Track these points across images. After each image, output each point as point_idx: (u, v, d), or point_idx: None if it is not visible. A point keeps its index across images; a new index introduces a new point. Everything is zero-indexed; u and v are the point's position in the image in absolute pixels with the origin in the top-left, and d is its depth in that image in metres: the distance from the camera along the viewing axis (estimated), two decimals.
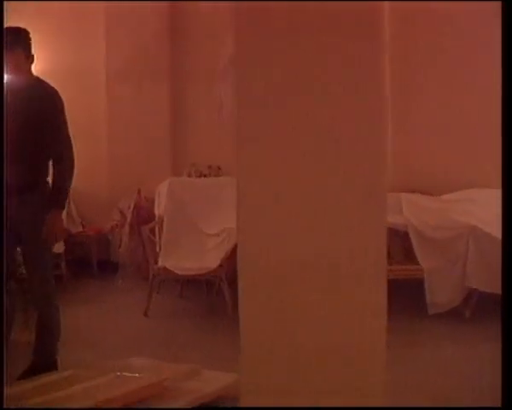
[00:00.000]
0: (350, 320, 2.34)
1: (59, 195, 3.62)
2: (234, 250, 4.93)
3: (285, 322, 2.44)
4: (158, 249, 5.58)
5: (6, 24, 3.69)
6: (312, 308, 2.34)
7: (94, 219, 6.66)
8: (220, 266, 4.88)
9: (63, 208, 3.72)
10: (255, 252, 2.44)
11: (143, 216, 6.23)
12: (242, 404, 2.47)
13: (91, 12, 6.67)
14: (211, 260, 4.94)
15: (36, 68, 6.04)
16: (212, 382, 3.38)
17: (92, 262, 6.47)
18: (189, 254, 5.13)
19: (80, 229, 6.41)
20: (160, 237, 5.52)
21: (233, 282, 5.11)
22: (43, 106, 3.56)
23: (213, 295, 5.61)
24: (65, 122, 3.64)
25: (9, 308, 4.55)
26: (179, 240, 5.21)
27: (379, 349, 2.33)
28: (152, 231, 5.60)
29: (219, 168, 6.25)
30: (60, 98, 3.63)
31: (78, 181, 6.34)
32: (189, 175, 6.15)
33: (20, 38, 3.55)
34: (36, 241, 3.63)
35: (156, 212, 5.59)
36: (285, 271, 2.45)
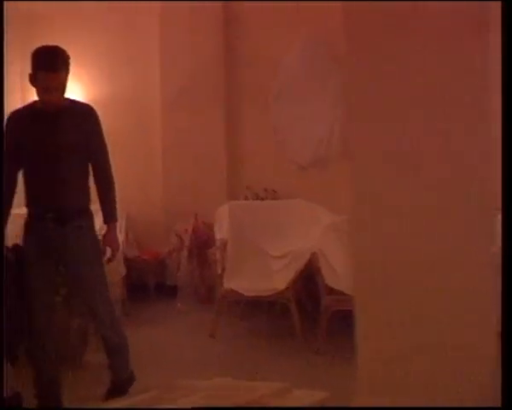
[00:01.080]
0: (462, 320, 2.41)
1: (111, 207, 3.69)
2: (301, 271, 5.04)
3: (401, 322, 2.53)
4: (220, 272, 5.67)
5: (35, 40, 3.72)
6: (427, 309, 2.42)
7: (150, 244, 6.74)
8: (287, 287, 4.94)
9: (117, 221, 3.78)
10: (370, 259, 2.55)
11: (201, 240, 6.32)
12: (358, 403, 2.56)
13: (145, 39, 6.83)
14: (278, 281, 4.99)
15: (90, 97, 6.24)
16: (304, 399, 3.42)
17: (149, 286, 6.54)
18: (255, 276, 5.18)
19: (137, 253, 6.48)
20: (220, 261, 5.59)
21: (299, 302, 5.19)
22: (85, 125, 3.55)
23: (274, 316, 5.68)
24: (103, 137, 3.65)
25: (82, 330, 4.68)
26: (243, 262, 5.27)
27: (491, 348, 2.39)
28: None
29: (274, 191, 6.33)
30: (95, 112, 3.63)
31: (133, 206, 6.53)
32: (246, 198, 6.23)
33: (66, 59, 3.46)
34: (94, 266, 3.63)
35: (217, 235, 5.65)
36: (399, 273, 2.55)
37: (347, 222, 4.93)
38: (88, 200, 3.65)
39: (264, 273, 5.21)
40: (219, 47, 6.57)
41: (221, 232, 5.60)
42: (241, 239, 5.39)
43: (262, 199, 6.20)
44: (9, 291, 3.43)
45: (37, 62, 3.40)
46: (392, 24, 2.63)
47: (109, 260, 3.75)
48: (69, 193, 3.54)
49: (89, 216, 3.64)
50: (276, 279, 5.03)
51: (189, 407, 3.26)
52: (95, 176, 3.65)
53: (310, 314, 5.30)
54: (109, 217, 3.70)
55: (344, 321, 4.85)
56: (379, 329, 2.67)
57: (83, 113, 3.58)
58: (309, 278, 5.27)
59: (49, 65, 3.37)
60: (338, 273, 4.76)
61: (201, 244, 6.29)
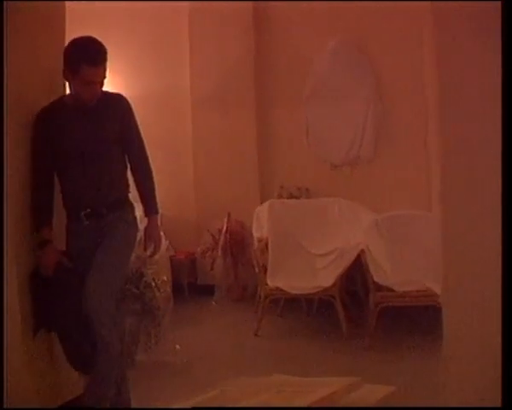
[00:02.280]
0: None
1: (152, 199, 3.51)
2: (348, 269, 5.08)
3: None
4: (257, 271, 5.70)
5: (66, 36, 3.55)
6: None
7: (182, 243, 6.76)
8: (334, 284, 4.97)
9: (158, 213, 3.56)
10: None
11: (236, 239, 6.35)
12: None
13: (175, 41, 6.87)
14: (324, 278, 5.03)
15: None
16: (375, 393, 3.45)
17: (183, 285, 6.56)
18: (298, 274, 5.23)
19: (172, 253, 6.50)
20: (260, 259, 5.61)
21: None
22: (119, 115, 3.39)
23: (313, 313, 5.72)
24: (138, 126, 3.49)
25: (134, 329, 4.69)
26: (285, 260, 5.31)
27: None
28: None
29: (307, 190, 6.37)
30: (128, 101, 3.46)
31: (166, 205, 6.55)
32: (280, 197, 6.27)
33: (105, 51, 3.28)
34: (118, 259, 3.38)
35: (255, 234, 5.69)
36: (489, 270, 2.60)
37: (423, 218, 5.02)
38: (126, 191, 3.48)
39: (307, 271, 5.26)
40: (250, 47, 6.61)
41: (260, 231, 5.63)
42: (282, 237, 5.43)
43: (296, 198, 6.24)
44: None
45: (79, 55, 3.19)
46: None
47: (152, 254, 3.66)
48: (109, 186, 3.38)
49: (128, 207, 3.46)
50: (322, 276, 5.07)
51: (263, 405, 3.27)
52: (132, 167, 3.48)
53: (351, 311, 5.34)
54: (150, 209, 3.51)
55: (388, 317, 4.94)
56: (468, 327, 2.72)
57: (116, 103, 3.41)
58: (350, 275, 5.32)
59: (94, 58, 3.20)
60: (385, 270, 4.80)
61: (236, 243, 6.32)
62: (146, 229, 3.52)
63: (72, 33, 3.49)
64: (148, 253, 3.67)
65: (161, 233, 4.18)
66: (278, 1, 6.49)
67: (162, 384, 4.26)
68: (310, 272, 5.21)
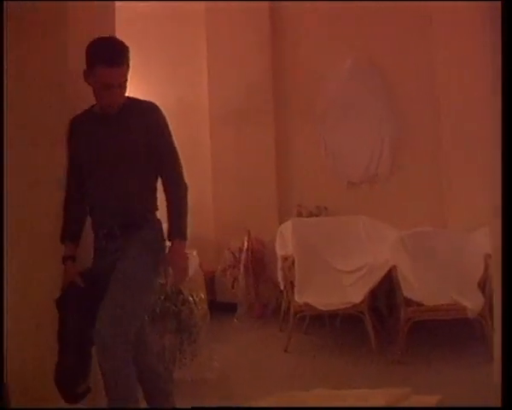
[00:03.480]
0: None
1: (178, 222, 3.04)
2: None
3: None
4: (282, 288, 5.80)
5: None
6: None
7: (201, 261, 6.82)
8: (363, 300, 5.08)
9: (186, 239, 3.06)
10: None
11: (257, 256, 6.45)
12: None
13: (193, 51, 6.99)
14: (353, 294, 5.13)
15: None
16: (424, 403, 3.56)
17: None
18: (325, 290, 5.32)
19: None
20: (285, 276, 5.70)
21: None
22: (149, 124, 3.08)
23: (336, 329, 5.82)
24: (172, 137, 3.16)
25: (171, 346, 4.74)
26: (312, 277, 5.40)
27: None
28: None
29: (326, 208, 6.49)
30: (160, 110, 3.16)
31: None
32: (299, 215, 6.38)
33: (126, 51, 3.04)
34: (138, 285, 3.01)
35: (279, 252, 5.78)
36: None
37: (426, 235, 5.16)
38: (151, 209, 3.17)
39: (334, 287, 5.35)
40: (268, 63, 6.76)
41: (285, 249, 5.72)
42: (308, 255, 5.52)
43: (316, 216, 6.35)
44: None
45: (95, 56, 2.97)
46: None
47: (172, 284, 3.37)
48: (127, 204, 3.10)
49: (152, 227, 3.14)
50: (351, 292, 5.17)
51: None
52: (163, 182, 3.13)
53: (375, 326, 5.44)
54: (174, 232, 3.03)
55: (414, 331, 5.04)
56: None
57: (144, 112, 3.10)
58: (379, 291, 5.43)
59: (110, 58, 2.95)
60: (413, 285, 4.92)
61: (257, 261, 6.41)
62: (167, 255, 3.08)
63: None
64: (169, 283, 3.34)
65: (189, 257, 4.22)
66: (295, 10, 6.61)
67: (202, 401, 4.30)
68: (337, 288, 5.31)
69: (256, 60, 6.74)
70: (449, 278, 4.96)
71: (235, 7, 6.70)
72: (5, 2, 3.20)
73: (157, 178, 3.16)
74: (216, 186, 6.91)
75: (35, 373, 3.45)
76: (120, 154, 3.06)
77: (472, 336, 5.12)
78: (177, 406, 3.40)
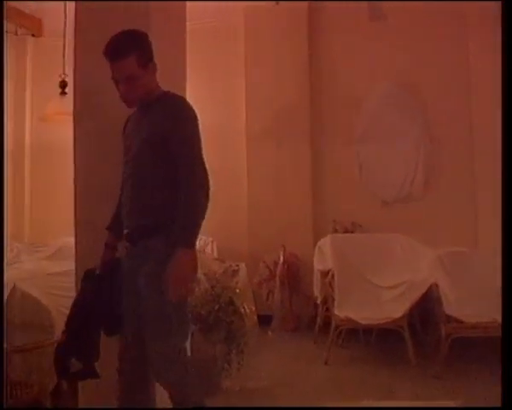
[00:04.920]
0: None
1: (186, 229, 2.75)
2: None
3: None
4: (319, 302, 5.99)
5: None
6: None
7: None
8: (403, 315, 5.26)
9: (192, 247, 2.77)
10: None
11: (292, 270, 6.64)
12: None
13: (232, 71, 7.20)
14: (393, 310, 5.31)
15: None
16: None
17: None
18: (364, 305, 5.50)
19: None
20: (322, 290, 5.90)
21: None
22: (168, 119, 2.85)
23: (371, 343, 5.99)
24: (198, 140, 2.87)
25: (221, 356, 4.90)
26: (352, 292, 5.58)
27: None
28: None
29: (360, 226, 6.69)
30: (189, 108, 2.90)
31: (219, 237, 6.81)
32: (335, 231, 6.58)
33: (132, 42, 2.88)
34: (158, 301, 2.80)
35: (317, 266, 5.97)
36: None
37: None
38: (164, 216, 2.86)
39: (373, 302, 5.53)
40: (305, 83, 6.97)
41: (323, 263, 5.91)
42: (346, 270, 5.71)
43: (351, 232, 6.55)
44: None
45: (104, 53, 2.88)
46: None
47: (170, 297, 2.76)
48: (153, 203, 2.89)
49: (165, 235, 2.83)
50: (390, 308, 5.35)
51: None
52: (179, 180, 2.83)
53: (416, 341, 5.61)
54: (177, 238, 2.75)
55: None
56: None
57: (170, 104, 2.89)
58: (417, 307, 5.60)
59: (111, 52, 2.85)
60: (452, 302, 5.10)
61: (292, 275, 6.60)
62: (173, 262, 2.73)
63: None
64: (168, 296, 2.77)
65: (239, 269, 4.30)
66: None
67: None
68: (376, 303, 5.49)
69: (294, 80, 6.96)
70: (486, 296, 5.13)
71: (274, 27, 6.93)
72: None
73: (186, 180, 2.81)
74: (252, 201, 7.10)
75: None
76: (143, 148, 2.90)
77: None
78: None
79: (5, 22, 3.23)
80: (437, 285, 5.10)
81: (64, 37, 5.89)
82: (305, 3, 6.97)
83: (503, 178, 2.48)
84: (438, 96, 6.60)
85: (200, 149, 2.87)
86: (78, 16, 3.58)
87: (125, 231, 3.00)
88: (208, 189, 2.83)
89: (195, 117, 2.88)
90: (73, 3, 3.69)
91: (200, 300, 4.57)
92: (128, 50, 2.83)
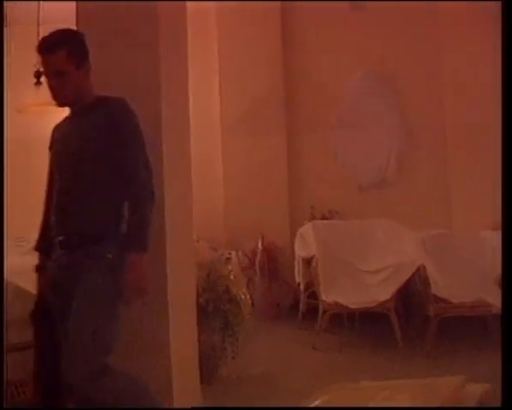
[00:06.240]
0: None
1: (138, 232, 2.74)
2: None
3: None
4: (302, 288, 6.06)
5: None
6: None
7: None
8: (391, 298, 5.36)
9: (145, 251, 2.73)
10: None
11: (271, 258, 6.68)
12: None
13: (205, 62, 7.15)
14: (380, 293, 5.40)
15: None
16: (476, 390, 3.84)
17: None
18: (350, 290, 5.58)
19: None
20: (304, 276, 5.96)
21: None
22: (109, 126, 2.82)
23: (356, 327, 6.08)
24: (140, 141, 2.85)
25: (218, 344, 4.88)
26: (336, 277, 5.66)
27: None
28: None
29: (337, 212, 6.77)
30: (130, 110, 2.87)
31: (196, 227, 6.78)
32: (313, 218, 6.64)
33: (66, 37, 2.87)
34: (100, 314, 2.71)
35: (299, 253, 6.03)
36: None
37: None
38: (117, 218, 2.82)
39: (358, 286, 5.63)
40: (279, 73, 7.00)
41: (305, 250, 5.97)
42: (330, 256, 5.78)
43: (328, 219, 6.62)
44: None
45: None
46: None
47: (128, 302, 2.76)
48: (93, 208, 2.82)
49: (115, 240, 2.80)
50: (377, 291, 5.44)
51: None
52: (124, 184, 2.82)
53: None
54: (131, 243, 2.74)
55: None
56: None
57: (109, 107, 2.86)
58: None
59: (40, 45, 2.86)
60: (439, 283, 5.23)
61: (272, 262, 6.64)
62: (128, 268, 2.71)
63: None
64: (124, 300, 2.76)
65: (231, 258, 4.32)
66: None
67: (248, 396, 4.47)
68: (361, 287, 5.58)
69: (268, 69, 6.98)
70: (470, 276, 5.30)
71: (248, 17, 6.92)
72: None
73: (128, 183, 2.81)
74: (228, 191, 7.10)
75: None
76: (81, 152, 2.84)
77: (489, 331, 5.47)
78: None
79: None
80: (424, 267, 5.20)
81: (38, 25, 5.75)
82: None
83: (503, 177, 2.55)
84: (412, 85, 6.74)
85: (143, 150, 2.85)
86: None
87: (60, 239, 2.85)
88: (153, 190, 2.82)
89: (136, 118, 2.88)
90: None
91: (197, 289, 4.53)
92: (58, 45, 2.81)
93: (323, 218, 6.62)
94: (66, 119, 2.99)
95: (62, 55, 2.80)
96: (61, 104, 2.93)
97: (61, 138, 2.96)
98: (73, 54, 2.84)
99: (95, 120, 2.84)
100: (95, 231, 2.80)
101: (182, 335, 3.65)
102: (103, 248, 2.77)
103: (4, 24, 3.33)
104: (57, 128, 3.04)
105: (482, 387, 3.91)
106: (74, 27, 3.06)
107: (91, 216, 2.81)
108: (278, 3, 6.98)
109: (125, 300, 2.73)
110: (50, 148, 3.03)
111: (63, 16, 3.86)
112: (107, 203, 2.82)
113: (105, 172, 2.81)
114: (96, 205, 2.81)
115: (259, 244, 6.66)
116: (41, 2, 5.64)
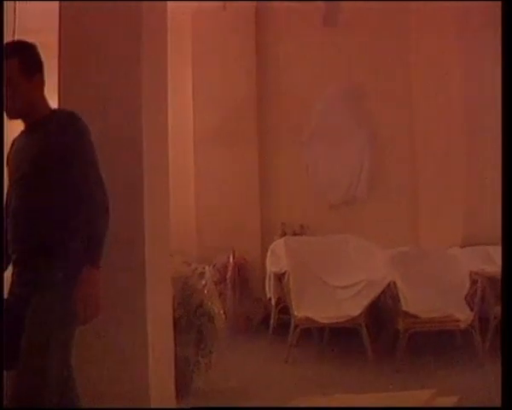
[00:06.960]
0: None
1: (93, 248, 2.69)
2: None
3: None
4: (274, 303, 6.12)
5: None
6: None
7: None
8: (361, 313, 5.45)
9: (98, 266, 2.69)
10: None
11: (243, 273, 6.73)
12: None
13: (178, 73, 7.17)
14: (351, 308, 5.48)
15: None
16: (446, 403, 3.96)
17: None
18: (321, 305, 5.66)
19: None
20: (275, 292, 6.03)
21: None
22: (60, 140, 2.75)
23: (323, 342, 6.15)
24: (92, 155, 2.79)
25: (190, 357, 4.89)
26: (307, 292, 5.73)
27: None
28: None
29: (308, 227, 6.86)
30: (81, 123, 2.80)
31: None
32: (284, 234, 6.71)
33: (19, 47, 2.86)
34: (51, 335, 2.63)
35: (271, 268, 6.09)
36: None
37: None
38: (71, 233, 2.75)
39: (329, 302, 5.70)
40: (252, 86, 7.07)
41: (277, 265, 6.03)
42: (301, 271, 5.85)
43: (299, 235, 6.70)
44: None
45: None
46: None
47: (82, 322, 2.67)
48: (45, 224, 2.74)
49: (55, 258, 2.72)
50: (348, 307, 5.52)
51: None
52: (78, 199, 2.75)
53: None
54: (86, 258, 2.69)
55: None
56: None
57: (62, 121, 2.80)
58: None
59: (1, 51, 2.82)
60: (409, 299, 5.34)
61: (243, 277, 6.69)
62: (80, 282, 2.65)
63: None
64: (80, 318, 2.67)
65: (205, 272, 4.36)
66: None
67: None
68: (332, 302, 5.65)
69: (241, 82, 7.05)
70: (439, 292, 5.42)
71: (222, 31, 7.00)
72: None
73: (79, 199, 2.75)
74: (199, 204, 7.13)
75: None
76: (31, 168, 2.77)
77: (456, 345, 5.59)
78: None
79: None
80: (394, 283, 5.30)
81: (14, 21, 5.71)
82: (253, 4, 7.07)
83: (504, 177, 2.62)
84: (382, 102, 6.87)
85: (95, 164, 2.79)
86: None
87: (14, 257, 2.80)
88: (108, 204, 2.75)
89: (88, 131, 2.81)
90: None
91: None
92: (11, 53, 2.78)
93: (294, 233, 6.70)
94: (21, 132, 2.92)
95: (14, 63, 2.76)
96: (10, 116, 2.86)
97: (15, 153, 2.91)
98: (25, 64, 2.80)
99: (45, 135, 2.78)
100: (45, 248, 2.73)
101: (159, 348, 3.68)
102: (54, 266, 2.70)
103: (4, 24, 3.29)
104: (14, 142, 2.97)
105: (451, 399, 4.04)
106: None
107: (42, 234, 2.74)
108: (252, 18, 7.07)
109: (77, 320, 2.66)
110: (7, 162, 2.96)
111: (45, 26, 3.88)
112: (58, 220, 2.74)
113: (56, 189, 2.74)
114: (47, 222, 2.73)
115: (230, 259, 6.69)
116: (17, 12, 5.60)
